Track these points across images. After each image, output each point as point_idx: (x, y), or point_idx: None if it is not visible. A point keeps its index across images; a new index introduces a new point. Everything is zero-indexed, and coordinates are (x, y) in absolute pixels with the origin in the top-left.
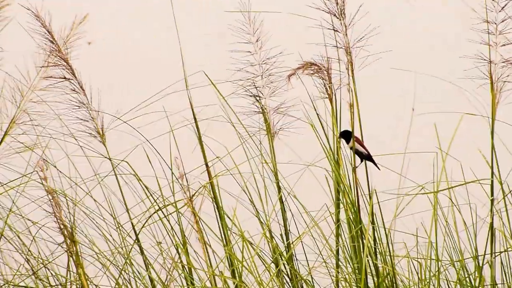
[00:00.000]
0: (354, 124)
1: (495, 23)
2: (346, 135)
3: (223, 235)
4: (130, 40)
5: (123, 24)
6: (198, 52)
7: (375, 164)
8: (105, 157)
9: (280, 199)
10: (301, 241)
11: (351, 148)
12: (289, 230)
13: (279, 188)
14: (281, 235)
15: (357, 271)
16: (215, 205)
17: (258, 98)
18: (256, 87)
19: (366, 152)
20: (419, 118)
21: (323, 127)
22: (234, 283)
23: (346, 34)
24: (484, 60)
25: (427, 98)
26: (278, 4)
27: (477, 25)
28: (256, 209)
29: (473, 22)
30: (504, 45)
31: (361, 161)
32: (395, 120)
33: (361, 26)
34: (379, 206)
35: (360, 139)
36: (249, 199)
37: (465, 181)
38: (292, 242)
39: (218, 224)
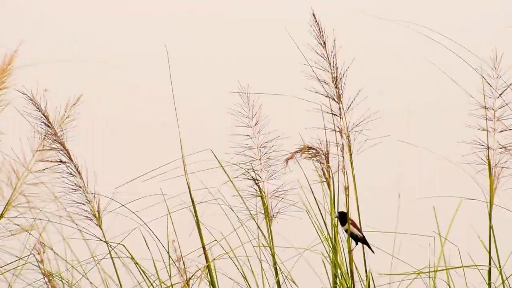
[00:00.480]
0: (349, 207)
1: (493, 109)
2: (342, 217)
3: None
4: (128, 119)
5: (121, 100)
6: (198, 133)
7: (369, 247)
8: (102, 240)
9: (278, 282)
10: None
11: (346, 231)
12: None
13: (276, 271)
14: None
15: None
16: None
17: (256, 181)
18: (254, 170)
19: (361, 235)
20: (418, 200)
21: (320, 211)
22: None
23: (344, 118)
24: (482, 145)
25: (426, 179)
26: (277, 88)
27: (475, 110)
28: None
29: (471, 108)
30: (502, 131)
31: (356, 243)
32: (393, 202)
33: (360, 110)
34: None
35: (356, 222)
36: (246, 282)
37: (463, 265)
38: None
39: None
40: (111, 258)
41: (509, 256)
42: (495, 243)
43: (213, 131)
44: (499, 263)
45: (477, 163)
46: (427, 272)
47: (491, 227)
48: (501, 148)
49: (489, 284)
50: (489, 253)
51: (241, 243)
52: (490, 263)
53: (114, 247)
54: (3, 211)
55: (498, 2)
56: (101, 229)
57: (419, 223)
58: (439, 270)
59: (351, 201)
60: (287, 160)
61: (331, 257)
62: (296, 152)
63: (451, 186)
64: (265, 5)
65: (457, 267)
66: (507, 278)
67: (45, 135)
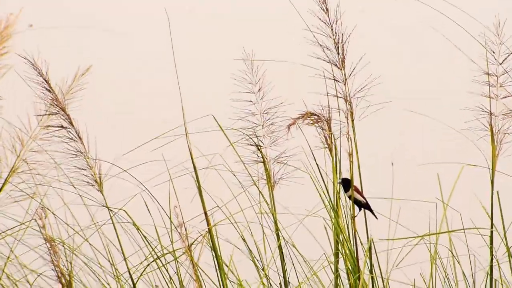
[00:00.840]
0: (353, 173)
1: (496, 75)
2: (345, 184)
3: (221, 284)
4: (131, 86)
5: (122, 67)
6: (200, 100)
7: (373, 213)
8: (103, 206)
9: (279, 248)
10: None
11: (349, 197)
12: (288, 279)
13: (278, 237)
14: (280, 284)
15: None
16: (214, 254)
17: (259, 148)
18: (257, 137)
19: (364, 201)
20: (420, 167)
21: (322, 177)
22: None
23: (346, 84)
24: (485, 112)
25: (428, 146)
26: (280, 54)
27: (478, 77)
28: (254, 258)
29: (474, 74)
30: (504, 97)
31: (359, 209)
32: (396, 169)
33: (363, 75)
34: (377, 256)
35: (359, 188)
36: (248, 248)
37: (464, 228)
38: None
39: (217, 272)
40: (113, 223)
41: None
42: (500, 208)
43: (216, 97)
44: (503, 228)
45: (479, 130)
46: (427, 235)
47: (493, 193)
48: (503, 114)
49: (491, 248)
50: (491, 218)
51: (242, 209)
52: (492, 227)
53: (116, 213)
54: (7, 177)
55: None
56: (103, 194)
57: (421, 189)
58: (441, 233)
59: (355, 167)
60: (289, 126)
61: (333, 223)
62: (298, 118)
63: (453, 152)
64: None
65: (458, 230)
66: (508, 247)
67: (49, 102)
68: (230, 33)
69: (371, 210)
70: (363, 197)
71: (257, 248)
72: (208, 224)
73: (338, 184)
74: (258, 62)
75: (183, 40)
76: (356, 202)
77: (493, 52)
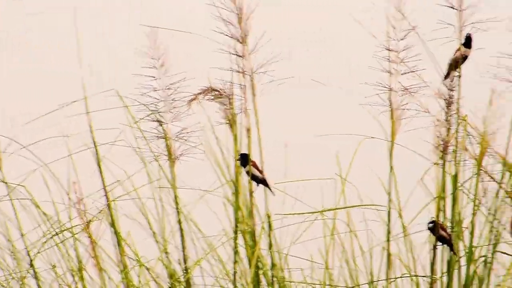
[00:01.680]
0: (251, 149)
1: (397, 51)
2: (243, 159)
3: (120, 260)
4: (31, 61)
5: (21, 44)
6: (102, 75)
7: (270, 189)
8: (1, 181)
9: (179, 223)
10: (199, 266)
11: (247, 172)
12: (187, 255)
13: (178, 213)
14: (179, 260)
15: None
16: (113, 230)
17: (160, 123)
18: (159, 112)
19: (262, 177)
20: (320, 141)
21: (222, 153)
22: None
23: (249, 59)
24: (385, 87)
25: (329, 119)
26: (182, 29)
27: (379, 52)
28: (154, 234)
29: (376, 50)
30: (404, 73)
31: (257, 185)
32: (296, 144)
33: (265, 52)
34: (274, 232)
35: (258, 163)
36: (148, 223)
37: (362, 204)
38: (190, 267)
39: (116, 249)
40: (11, 200)
41: (408, 197)
42: (395, 184)
43: (118, 72)
44: (399, 203)
45: (380, 105)
46: (325, 211)
47: (391, 168)
48: (403, 90)
49: (388, 225)
50: (389, 194)
51: (142, 185)
52: (389, 202)
53: (14, 188)
54: None
55: None
56: (1, 170)
57: (320, 165)
58: (338, 209)
59: (256, 143)
60: (190, 101)
61: (233, 199)
62: (200, 93)
63: (354, 127)
64: None
65: (355, 206)
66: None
67: None
68: (132, 8)
69: (268, 186)
70: (261, 172)
71: (157, 224)
72: (108, 200)
73: (238, 160)
74: (161, 37)
75: (85, 15)
76: (253, 177)
77: (394, 28)
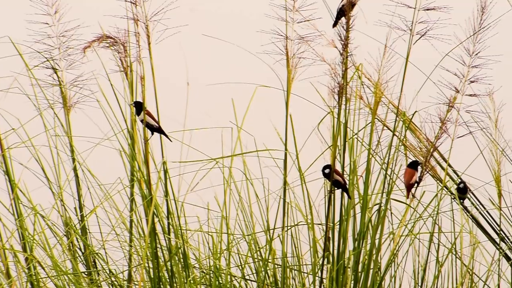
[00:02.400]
0: (145, 97)
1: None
2: (137, 107)
3: (15, 209)
4: None
5: None
6: None
7: (167, 136)
8: None
9: (75, 171)
10: (95, 214)
11: (141, 121)
12: (83, 203)
13: (73, 160)
14: (75, 208)
15: (149, 245)
16: (7, 178)
17: (55, 70)
18: (53, 59)
19: (157, 125)
20: (216, 91)
21: (118, 101)
22: (25, 256)
23: (143, 6)
24: (281, 36)
25: (224, 72)
26: None
27: (275, 0)
28: (49, 181)
29: None
30: (300, 22)
31: (152, 133)
32: (192, 92)
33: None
34: (170, 180)
35: (153, 112)
36: (43, 171)
37: (257, 150)
38: (86, 215)
39: (10, 197)
40: None
41: (304, 143)
42: (293, 131)
43: (10, 18)
44: (296, 151)
45: (276, 53)
46: (221, 158)
47: (287, 116)
48: (299, 39)
49: (285, 173)
50: (286, 142)
51: (38, 133)
52: (286, 149)
53: None
54: None
55: None
56: None
57: (216, 113)
58: (234, 155)
59: (151, 91)
60: (85, 49)
61: (128, 148)
62: (94, 41)
63: (249, 75)
64: None
65: (251, 152)
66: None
67: None
68: None
69: (164, 134)
70: (156, 121)
71: (52, 172)
72: (2, 148)
73: (133, 108)
74: None
75: None
76: (148, 125)
77: None
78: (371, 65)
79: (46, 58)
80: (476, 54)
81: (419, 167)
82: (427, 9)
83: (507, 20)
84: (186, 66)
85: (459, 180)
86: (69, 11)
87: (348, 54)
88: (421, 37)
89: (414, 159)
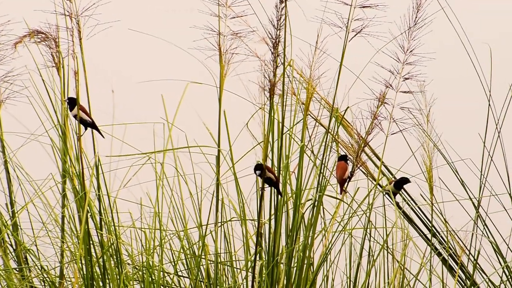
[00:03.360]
0: (79, 92)
1: None
2: (71, 103)
3: None
4: None
5: None
6: None
7: (100, 132)
8: None
9: (6, 167)
10: (27, 210)
11: (74, 116)
12: (15, 199)
13: (4, 155)
14: (6, 204)
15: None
16: None
17: None
18: None
19: (90, 120)
20: (147, 88)
21: (50, 97)
22: None
23: (74, 2)
24: (214, 31)
25: (157, 68)
26: None
27: None
28: None
29: None
30: (233, 17)
31: (85, 129)
32: (122, 88)
33: None
34: (104, 175)
35: (86, 107)
36: None
37: (189, 146)
38: (17, 212)
39: None
40: None
41: (237, 136)
42: (226, 127)
43: None
44: (230, 147)
45: (208, 49)
46: (152, 153)
47: (220, 112)
48: (232, 35)
49: (217, 169)
50: (218, 137)
51: None
52: (218, 146)
53: None
54: None
55: None
56: None
57: (150, 109)
58: (166, 151)
59: (82, 86)
60: (15, 44)
61: (60, 144)
62: (25, 36)
63: (181, 72)
64: None
65: (182, 147)
66: (235, 163)
67: None
68: None
69: (98, 130)
70: (89, 116)
71: None
72: None
73: (66, 103)
74: None
75: None
76: (81, 121)
77: None
78: (302, 61)
79: None
80: (411, 51)
81: (349, 162)
82: (363, 7)
83: (441, 18)
84: (117, 61)
85: (394, 178)
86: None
87: (279, 53)
88: (356, 34)
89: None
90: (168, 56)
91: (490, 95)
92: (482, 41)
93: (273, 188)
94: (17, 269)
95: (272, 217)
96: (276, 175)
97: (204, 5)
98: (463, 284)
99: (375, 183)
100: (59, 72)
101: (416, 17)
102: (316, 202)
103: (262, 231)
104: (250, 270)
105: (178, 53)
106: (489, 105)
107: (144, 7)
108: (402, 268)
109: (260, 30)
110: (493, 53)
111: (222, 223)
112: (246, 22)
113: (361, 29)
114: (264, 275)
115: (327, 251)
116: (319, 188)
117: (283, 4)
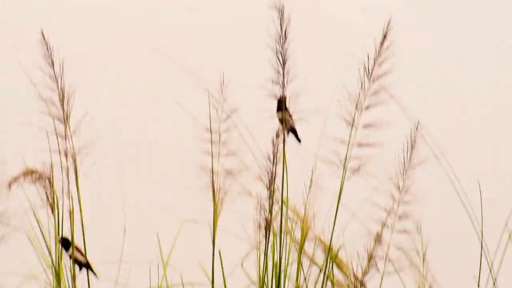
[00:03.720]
0: (74, 232)
1: (219, 133)
2: (65, 244)
3: None
4: None
5: None
6: None
7: (94, 273)
8: None
9: None
10: None
11: (70, 256)
12: None
13: None
14: None
15: None
16: None
17: None
18: None
19: (85, 261)
20: (144, 227)
21: (44, 237)
22: None
23: (71, 140)
24: (206, 169)
25: (151, 203)
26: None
27: (202, 132)
28: None
29: (198, 131)
30: (227, 155)
31: (80, 269)
32: (117, 228)
33: (88, 132)
34: None
35: (81, 247)
36: None
37: (183, 283)
38: None
39: None
40: None
41: (230, 282)
42: (222, 267)
43: None
44: (224, 281)
45: (201, 187)
46: None
47: (214, 251)
48: (226, 173)
49: None
50: (212, 279)
51: None
52: (213, 285)
53: None
54: None
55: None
56: None
57: (144, 248)
58: None
59: (78, 226)
60: (10, 184)
61: (54, 285)
62: (19, 176)
63: (175, 210)
64: None
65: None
66: None
67: None
68: None
69: (92, 270)
70: (84, 256)
71: None
72: None
73: (60, 244)
74: None
75: None
76: (76, 261)
77: (216, 109)
78: (297, 199)
79: None
80: (406, 190)
81: None
82: (361, 145)
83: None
84: (111, 201)
85: None
86: None
87: (275, 189)
88: (354, 172)
89: None
90: (162, 196)
91: (482, 236)
92: (472, 179)
93: None
94: None
95: None
96: None
97: (197, 144)
98: None
99: None
100: (54, 211)
101: (410, 156)
102: None
103: None
104: None
105: (172, 190)
106: (482, 247)
107: (138, 144)
108: None
109: (254, 166)
110: (483, 190)
111: None
112: (240, 159)
113: (359, 168)
114: None
115: None
116: None
117: (279, 140)
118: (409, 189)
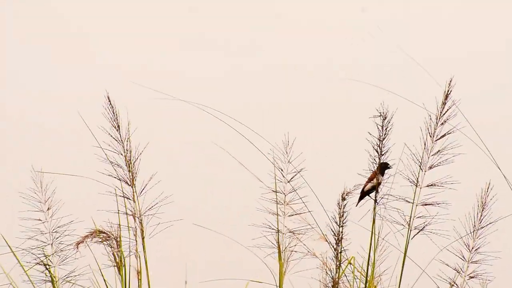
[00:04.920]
0: None
1: (284, 193)
2: None
3: None
4: None
5: None
6: None
7: None
8: None
9: None
10: None
11: None
12: None
13: None
14: None
15: None
16: None
17: (47, 267)
18: (45, 256)
19: None
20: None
21: None
22: None
23: (137, 201)
24: (272, 229)
25: (214, 262)
26: (70, 170)
27: (266, 194)
28: None
29: (262, 191)
30: (291, 215)
31: None
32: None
33: (154, 193)
34: None
35: None
36: None
37: None
38: None
39: None
40: None
41: None
42: None
43: (2, 215)
44: None
45: (267, 247)
46: None
47: None
48: (290, 232)
49: None
50: None
51: None
52: None
53: None
54: None
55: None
56: None
57: None
58: None
59: (144, 285)
60: (77, 244)
61: None
62: (87, 236)
63: (241, 269)
64: None
65: None
66: None
67: None
68: (17, 150)
69: None
70: None
71: None
72: None
73: None
74: (47, 180)
75: None
76: None
77: (282, 170)
78: (364, 258)
79: (36, 256)
80: (476, 249)
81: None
82: (425, 204)
83: (508, 217)
84: (179, 261)
85: None
86: (62, 207)
87: (342, 249)
88: (419, 232)
89: None
90: (229, 255)
91: None
92: None
93: None
94: None
95: None
96: None
97: (262, 204)
98: None
99: None
100: (120, 271)
101: (481, 216)
102: None
103: None
104: None
105: (238, 250)
106: None
107: (199, 204)
108: None
109: (318, 227)
110: None
111: None
112: (305, 219)
113: (424, 227)
114: None
115: None
116: None
117: (345, 202)
118: (479, 249)
